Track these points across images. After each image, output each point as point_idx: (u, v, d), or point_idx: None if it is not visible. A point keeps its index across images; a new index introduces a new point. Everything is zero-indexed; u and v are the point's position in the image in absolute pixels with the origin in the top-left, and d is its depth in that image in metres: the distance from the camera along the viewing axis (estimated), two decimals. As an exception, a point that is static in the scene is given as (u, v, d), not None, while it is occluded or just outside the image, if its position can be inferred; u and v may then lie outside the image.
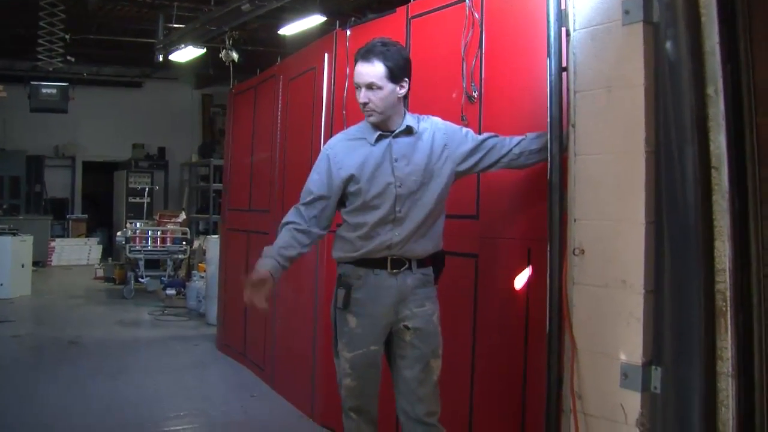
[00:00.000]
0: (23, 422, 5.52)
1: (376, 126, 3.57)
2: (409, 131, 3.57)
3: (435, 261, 3.65)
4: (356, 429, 3.62)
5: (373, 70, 3.45)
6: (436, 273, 3.67)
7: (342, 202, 3.63)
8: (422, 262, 3.57)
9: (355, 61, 3.55)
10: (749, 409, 2.72)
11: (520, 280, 3.77)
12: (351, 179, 3.54)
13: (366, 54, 3.49)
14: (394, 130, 3.56)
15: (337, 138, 3.76)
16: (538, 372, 3.45)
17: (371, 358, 3.55)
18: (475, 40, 4.11)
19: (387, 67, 3.45)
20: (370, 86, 3.46)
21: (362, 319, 3.54)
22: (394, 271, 3.52)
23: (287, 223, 3.65)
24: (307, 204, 3.61)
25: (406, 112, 3.63)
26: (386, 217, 3.50)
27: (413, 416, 3.54)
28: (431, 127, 3.62)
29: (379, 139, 3.56)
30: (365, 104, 3.49)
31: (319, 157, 3.69)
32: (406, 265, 3.53)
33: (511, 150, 3.56)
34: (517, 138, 3.57)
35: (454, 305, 4.03)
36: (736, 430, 2.69)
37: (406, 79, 3.54)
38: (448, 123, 3.71)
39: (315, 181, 3.62)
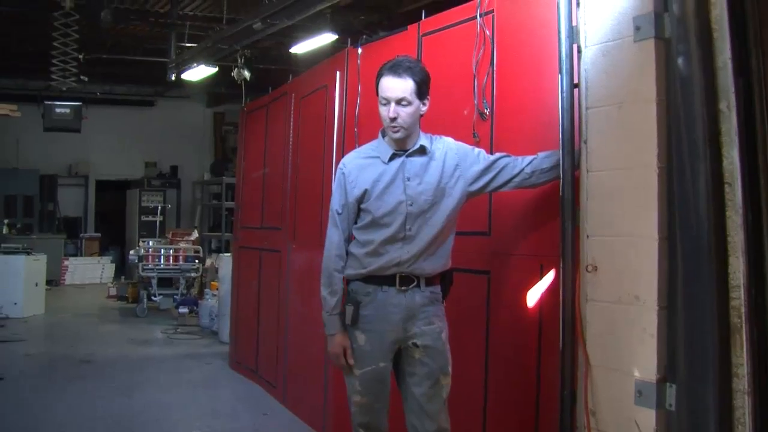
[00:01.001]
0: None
1: (391, 144, 3.59)
2: (422, 151, 3.57)
3: (443, 279, 3.66)
4: None
5: (404, 85, 3.45)
6: (444, 291, 3.67)
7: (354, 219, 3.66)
8: (431, 280, 3.57)
9: (380, 76, 3.54)
10: (766, 426, 2.69)
11: (534, 292, 3.76)
12: (364, 195, 3.57)
13: (395, 68, 3.48)
14: (408, 149, 3.57)
15: (351, 156, 3.78)
16: (551, 388, 3.43)
17: (380, 375, 3.55)
18: (487, 57, 4.11)
19: (415, 82, 3.46)
20: (400, 101, 3.46)
21: (370, 336, 3.54)
22: (403, 288, 3.52)
23: (334, 270, 3.68)
24: (332, 226, 3.68)
25: (420, 131, 3.63)
26: (396, 235, 3.51)
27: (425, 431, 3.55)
28: (444, 147, 3.63)
29: (392, 157, 3.58)
30: (394, 119, 3.47)
31: (335, 176, 3.74)
32: (415, 283, 3.53)
33: (522, 170, 3.55)
34: (529, 158, 3.57)
35: (467, 322, 4.01)
36: (752, 448, 2.67)
37: (428, 98, 3.55)
38: (460, 143, 3.71)
39: (336, 200, 3.68)
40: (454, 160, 3.59)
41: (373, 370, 3.54)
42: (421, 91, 3.49)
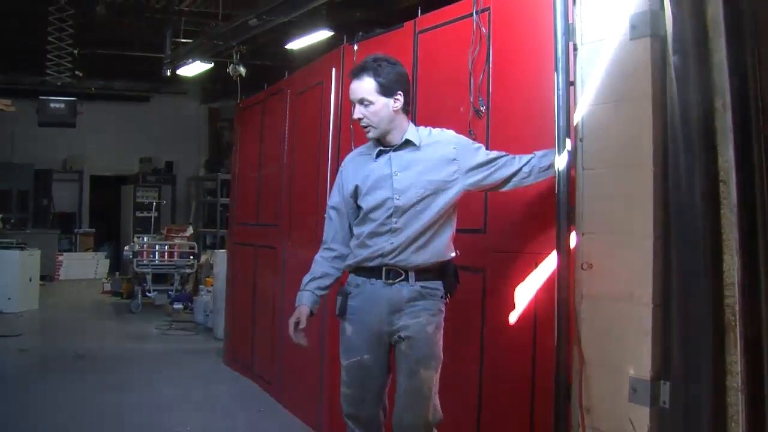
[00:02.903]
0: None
1: (377, 142, 3.64)
2: (409, 144, 3.60)
3: (445, 274, 3.63)
4: None
5: (363, 86, 3.53)
6: (449, 287, 3.65)
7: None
8: (422, 275, 3.56)
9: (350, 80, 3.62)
10: (759, 424, 2.70)
11: (529, 290, 3.77)
12: (356, 191, 3.64)
13: (356, 71, 3.59)
14: (395, 145, 3.61)
15: (351, 154, 3.89)
16: (546, 386, 3.44)
17: (365, 368, 3.57)
18: (483, 55, 4.11)
19: (377, 82, 3.52)
20: (361, 101, 3.54)
21: (356, 327, 3.60)
22: (389, 281, 3.53)
23: (317, 257, 3.84)
24: (327, 220, 3.81)
25: (410, 125, 3.66)
26: (381, 228, 3.54)
27: (403, 424, 3.55)
28: (443, 139, 3.65)
29: (379, 154, 3.64)
30: (360, 119, 3.57)
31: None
32: (403, 277, 3.53)
33: (520, 169, 3.57)
34: (527, 157, 3.58)
35: (462, 319, 4.01)
36: (745, 445, 2.68)
37: (401, 92, 3.57)
38: (461, 137, 3.73)
39: (332, 197, 3.82)
40: (451, 153, 3.59)
41: (357, 361, 3.57)
42: (387, 89, 3.53)
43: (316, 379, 5.69)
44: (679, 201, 2.80)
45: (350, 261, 3.66)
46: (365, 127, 3.57)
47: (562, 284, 3.23)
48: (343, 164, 3.84)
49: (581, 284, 3.17)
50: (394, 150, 3.61)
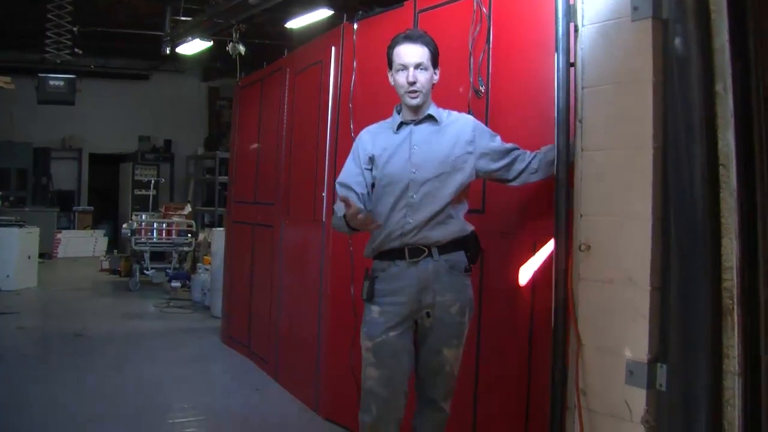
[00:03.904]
0: (27, 411, 5.54)
1: (403, 115, 3.66)
2: (432, 119, 3.63)
3: (466, 245, 3.63)
4: (372, 426, 3.56)
5: (421, 51, 3.55)
6: (472, 257, 3.65)
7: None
8: (445, 248, 3.56)
9: (394, 46, 3.60)
10: (755, 407, 2.71)
11: (527, 271, 3.77)
12: (373, 160, 3.65)
13: (411, 36, 3.60)
14: (418, 118, 3.63)
15: (366, 129, 3.86)
16: (543, 367, 3.44)
17: (392, 345, 3.54)
18: (483, 35, 4.10)
19: (430, 50, 3.57)
20: (418, 65, 3.54)
21: (384, 308, 3.56)
22: (413, 259, 3.53)
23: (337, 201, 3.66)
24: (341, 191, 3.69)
25: (433, 104, 3.68)
26: (399, 201, 3.54)
27: (426, 396, 3.65)
28: (462, 121, 3.68)
29: (400, 126, 3.65)
30: (413, 83, 3.54)
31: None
32: (426, 253, 3.53)
33: (529, 164, 3.58)
34: (533, 152, 3.59)
35: (460, 300, 4.02)
36: (742, 429, 2.68)
37: (438, 69, 3.63)
38: (479, 122, 3.76)
39: (344, 171, 3.76)
40: (470, 135, 3.61)
41: (384, 340, 3.54)
42: (434, 60, 3.59)
43: (313, 358, 5.70)
44: (678, 184, 2.80)
45: (372, 245, 3.64)
46: (415, 92, 3.55)
47: (560, 266, 3.23)
48: (358, 138, 3.81)
49: (579, 266, 3.17)
50: (416, 124, 3.63)
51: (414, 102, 3.57)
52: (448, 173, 3.54)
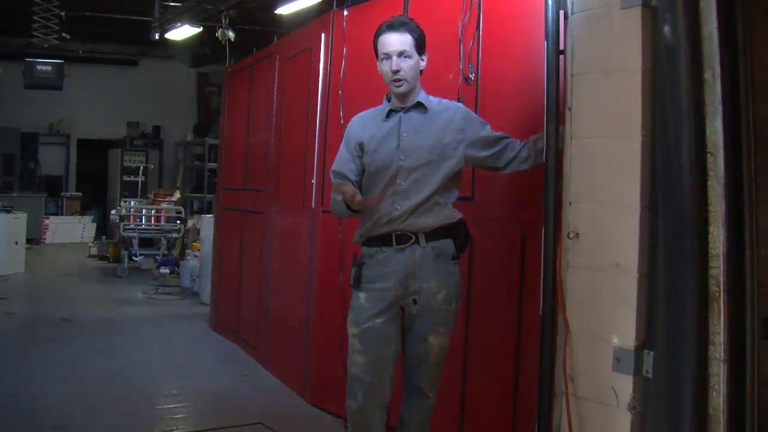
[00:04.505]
0: (14, 396, 5.54)
1: (394, 100, 3.66)
2: (421, 107, 3.63)
3: (455, 233, 3.63)
4: (358, 411, 3.58)
5: (403, 38, 3.55)
6: (460, 246, 3.66)
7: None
8: (432, 235, 3.57)
9: (378, 35, 3.61)
10: (740, 394, 2.73)
11: (516, 257, 3.78)
12: (362, 147, 3.65)
13: (393, 25, 3.59)
14: (407, 106, 3.62)
15: (356, 116, 3.88)
16: (530, 354, 3.46)
17: (378, 332, 3.55)
18: (473, 22, 4.10)
19: (413, 37, 3.56)
20: (401, 53, 3.54)
21: (370, 294, 3.58)
22: (400, 246, 3.54)
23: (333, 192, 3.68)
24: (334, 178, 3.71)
25: (422, 90, 3.67)
26: (387, 189, 3.54)
27: (411, 384, 3.66)
28: (452, 109, 3.68)
29: (389, 114, 3.66)
30: (396, 71, 3.54)
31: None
32: (413, 240, 3.54)
33: (519, 152, 3.58)
34: (522, 142, 3.59)
35: (448, 287, 4.02)
36: (726, 415, 2.70)
37: (425, 54, 3.63)
38: (469, 110, 3.77)
39: (337, 159, 3.77)
40: (460, 123, 3.62)
41: (370, 327, 3.55)
42: (419, 46, 3.59)
43: (301, 344, 5.71)
44: (666, 172, 2.80)
45: (360, 232, 3.66)
46: (399, 80, 3.56)
47: (549, 253, 3.24)
48: (348, 126, 3.83)
49: (567, 253, 3.17)
50: (405, 111, 3.63)
51: (399, 90, 3.58)
52: (437, 161, 3.55)
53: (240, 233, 7.50)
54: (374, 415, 3.58)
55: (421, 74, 3.65)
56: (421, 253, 3.55)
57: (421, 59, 3.61)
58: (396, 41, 3.55)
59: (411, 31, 3.55)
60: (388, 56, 3.56)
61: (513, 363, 3.81)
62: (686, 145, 2.75)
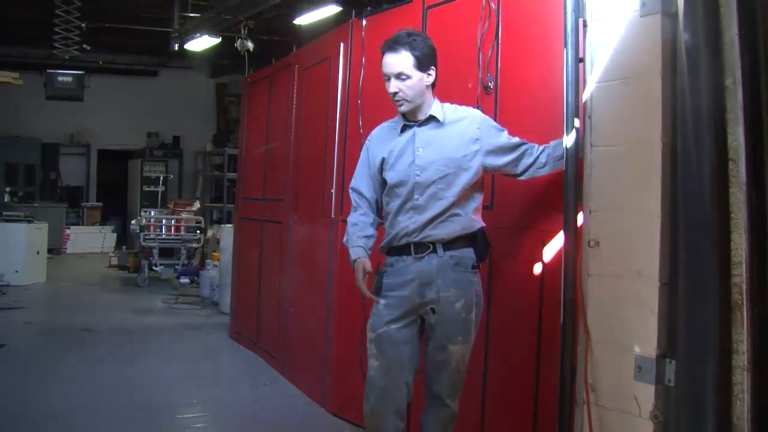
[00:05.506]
0: (35, 405, 5.55)
1: (405, 116, 3.66)
2: (434, 120, 3.62)
3: (474, 241, 3.64)
4: (369, 414, 3.61)
5: (401, 60, 3.53)
6: (481, 254, 3.67)
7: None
8: (451, 245, 3.58)
9: (382, 54, 3.60)
10: (764, 403, 2.70)
11: (536, 267, 3.77)
12: (383, 163, 3.68)
13: (392, 45, 3.56)
14: (419, 120, 3.63)
15: (376, 129, 3.89)
16: (551, 363, 3.44)
17: (393, 336, 3.58)
18: (492, 31, 4.09)
19: (414, 56, 3.53)
20: (398, 76, 3.53)
21: (388, 300, 3.61)
22: (418, 255, 3.56)
23: (350, 224, 3.79)
24: (355, 201, 3.81)
25: (435, 101, 3.67)
26: (405, 204, 3.57)
27: (432, 392, 3.66)
28: (468, 117, 3.67)
29: (404, 129, 3.66)
30: (395, 93, 3.56)
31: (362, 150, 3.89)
32: (431, 249, 3.56)
33: (537, 158, 3.59)
34: (542, 146, 3.60)
35: (468, 296, 4.01)
36: (750, 424, 2.68)
37: (433, 68, 3.60)
38: (487, 117, 3.75)
39: (356, 176, 3.85)
40: (475, 133, 3.61)
41: (385, 332, 3.58)
42: (423, 63, 3.55)
43: (321, 353, 5.71)
44: (687, 179, 2.79)
45: (382, 243, 3.70)
46: (399, 101, 3.58)
47: (569, 262, 3.23)
48: (369, 139, 3.86)
49: (588, 262, 3.16)
50: (419, 125, 3.63)
51: (401, 109, 3.63)
52: (454, 173, 3.55)
53: (259, 243, 7.51)
54: (386, 419, 3.58)
55: (434, 87, 3.64)
56: (438, 262, 3.56)
57: (428, 74, 3.58)
58: (392, 63, 3.55)
59: (411, 49, 3.52)
60: (388, 78, 3.57)
61: (534, 372, 3.79)
62: (707, 153, 2.74)
